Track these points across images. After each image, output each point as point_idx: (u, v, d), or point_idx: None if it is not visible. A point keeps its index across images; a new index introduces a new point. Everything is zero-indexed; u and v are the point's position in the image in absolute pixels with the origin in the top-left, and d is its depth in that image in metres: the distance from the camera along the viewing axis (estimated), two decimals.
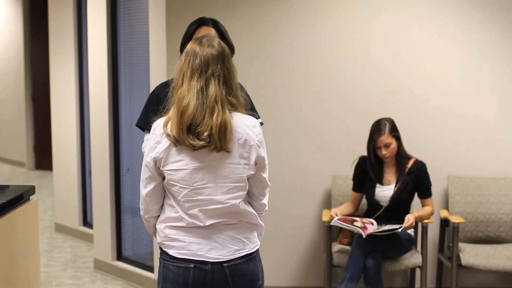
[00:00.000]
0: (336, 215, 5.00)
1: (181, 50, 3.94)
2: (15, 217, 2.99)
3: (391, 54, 5.50)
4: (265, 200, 3.00)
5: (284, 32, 5.47)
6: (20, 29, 11.75)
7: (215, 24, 3.87)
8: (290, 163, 5.51)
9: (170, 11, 5.33)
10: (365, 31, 5.49)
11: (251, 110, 3.96)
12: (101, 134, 6.12)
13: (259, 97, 5.36)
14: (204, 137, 2.74)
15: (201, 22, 3.86)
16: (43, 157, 11.56)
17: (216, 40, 2.87)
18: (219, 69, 2.80)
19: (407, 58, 5.49)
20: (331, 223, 4.96)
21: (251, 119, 2.86)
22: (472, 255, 5.13)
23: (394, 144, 4.98)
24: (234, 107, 2.82)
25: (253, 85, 5.16)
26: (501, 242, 5.45)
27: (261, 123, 4.02)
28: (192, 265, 2.84)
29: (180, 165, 2.81)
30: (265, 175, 2.94)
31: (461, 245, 5.28)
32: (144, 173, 2.90)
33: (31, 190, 3.20)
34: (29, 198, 3.20)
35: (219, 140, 2.75)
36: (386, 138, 4.95)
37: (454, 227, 5.10)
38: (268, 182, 2.98)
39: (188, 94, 2.77)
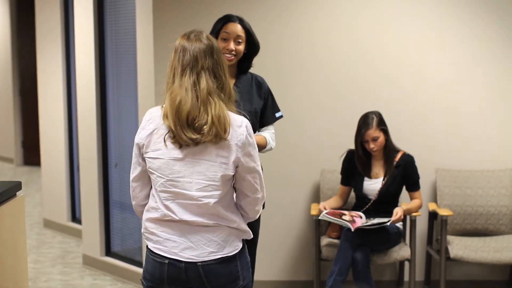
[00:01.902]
0: (325, 208, 5.00)
1: None
2: (2, 213, 2.98)
3: (379, 48, 5.49)
4: (258, 207, 2.95)
5: (272, 27, 5.46)
6: (7, 24, 11.70)
7: (241, 21, 3.90)
8: (279, 157, 5.50)
9: (157, 7, 5.32)
10: (352, 25, 5.48)
11: (272, 104, 4.03)
12: (89, 130, 6.11)
13: None
14: (204, 131, 2.72)
15: (227, 19, 3.90)
16: (31, 153, 11.53)
17: (204, 34, 2.87)
18: (208, 62, 2.79)
19: (394, 52, 5.49)
20: (319, 217, 4.96)
21: (238, 118, 2.82)
22: (460, 247, 5.15)
23: (381, 138, 4.99)
24: (224, 102, 2.80)
25: None
26: (489, 235, 5.46)
27: (281, 116, 4.08)
28: (166, 261, 2.84)
29: (159, 154, 2.81)
30: (253, 178, 2.86)
31: (450, 237, 5.29)
32: (133, 158, 2.93)
33: (17, 186, 3.20)
34: (15, 194, 3.19)
35: (220, 131, 2.73)
36: (373, 131, 4.95)
37: (443, 220, 5.11)
38: (259, 189, 2.90)
39: (180, 91, 2.76)
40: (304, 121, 5.53)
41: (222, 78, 2.82)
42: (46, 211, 7.74)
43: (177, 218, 2.81)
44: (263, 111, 4.01)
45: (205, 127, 2.73)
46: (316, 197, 5.54)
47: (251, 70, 4.06)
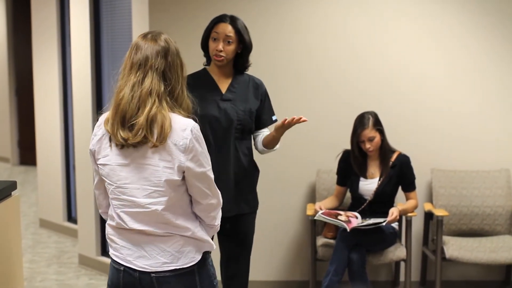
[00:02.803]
0: (320, 209, 5.00)
1: (202, 47, 3.97)
2: None
3: (375, 49, 5.49)
4: (213, 214, 2.83)
5: (268, 29, 5.46)
6: (3, 23, 11.68)
7: (233, 21, 3.90)
8: (274, 157, 5.48)
9: (153, 5, 5.31)
10: (347, 26, 5.48)
11: (268, 107, 4.07)
12: (85, 129, 6.10)
13: None
14: (136, 131, 2.62)
15: (218, 19, 3.91)
16: (27, 153, 11.51)
17: (163, 36, 2.77)
18: (159, 63, 2.70)
19: (390, 52, 5.49)
20: (315, 218, 4.96)
21: (183, 121, 2.69)
22: (456, 248, 5.15)
23: (377, 138, 4.99)
24: (169, 105, 2.69)
25: None
26: (484, 235, 5.46)
27: (276, 120, 4.09)
28: (122, 268, 2.78)
29: (107, 160, 2.74)
30: (202, 184, 2.74)
31: (445, 238, 5.29)
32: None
33: (12, 185, 3.19)
34: (10, 194, 3.19)
35: (151, 135, 2.63)
36: (369, 131, 4.96)
37: (438, 220, 5.11)
38: (212, 194, 2.79)
39: (124, 88, 2.67)
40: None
41: (173, 82, 2.71)
42: (42, 211, 7.74)
43: (128, 227, 2.74)
44: (259, 113, 4.02)
45: (136, 127, 2.64)
46: (312, 197, 5.54)
47: (250, 72, 4.07)
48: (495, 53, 5.50)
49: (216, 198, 2.81)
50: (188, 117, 2.73)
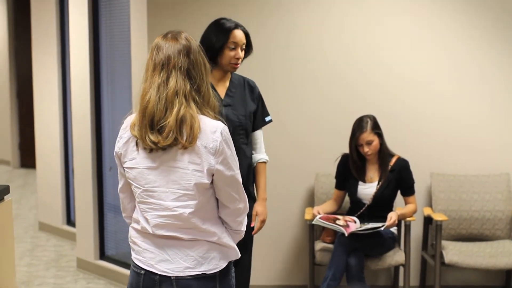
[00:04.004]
0: (319, 213, 4.97)
1: (211, 54, 3.74)
2: None
3: (373, 53, 5.47)
4: (240, 218, 2.78)
5: (263, 32, 5.43)
6: (5, 26, 11.68)
7: (242, 27, 3.88)
8: (273, 161, 5.44)
9: (151, 8, 5.29)
10: (346, 30, 5.46)
11: (262, 108, 4.03)
12: (83, 133, 6.08)
13: None
14: (167, 133, 2.56)
15: (233, 27, 3.83)
16: (28, 155, 11.51)
17: (183, 34, 2.71)
18: (182, 61, 2.62)
19: (389, 57, 5.47)
20: (313, 222, 4.93)
21: (213, 123, 2.64)
22: (455, 253, 5.12)
23: (376, 141, 4.96)
24: (198, 105, 2.63)
25: None
26: (484, 240, 5.43)
27: (270, 121, 4.07)
28: (143, 272, 2.73)
29: (134, 163, 2.68)
30: (231, 188, 2.69)
31: (445, 242, 5.26)
32: (118, 168, 2.83)
33: (5, 190, 3.16)
34: (3, 198, 3.16)
35: (181, 136, 2.56)
36: (368, 135, 4.93)
37: (437, 225, 5.08)
38: (239, 199, 2.73)
39: (150, 90, 2.60)
40: (299, 124, 5.50)
41: (198, 80, 2.64)
42: (41, 214, 7.72)
43: (151, 232, 2.69)
44: (255, 115, 4.00)
45: (166, 129, 2.57)
46: (311, 201, 5.51)
47: (247, 75, 4.05)
48: (496, 57, 5.47)
49: (243, 203, 2.76)
50: (216, 118, 2.67)
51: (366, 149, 4.95)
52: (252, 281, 5.26)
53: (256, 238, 5.49)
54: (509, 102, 5.51)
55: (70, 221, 7.41)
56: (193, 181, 2.62)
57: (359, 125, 4.97)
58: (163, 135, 2.58)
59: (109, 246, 6.14)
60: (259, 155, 4.08)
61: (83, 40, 6.02)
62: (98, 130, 6.05)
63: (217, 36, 3.79)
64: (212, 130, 2.62)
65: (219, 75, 3.89)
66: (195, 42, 2.73)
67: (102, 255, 6.12)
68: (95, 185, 6.03)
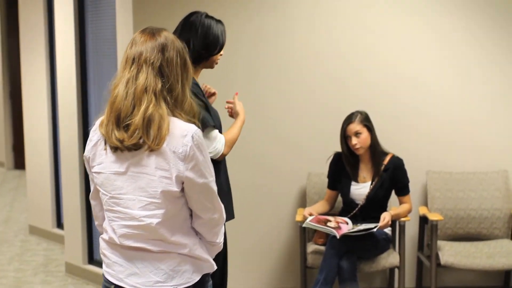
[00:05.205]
0: (310, 215, 4.82)
1: (208, 52, 3.63)
2: None
3: (366, 51, 5.33)
4: (216, 230, 2.60)
5: (250, 29, 5.30)
6: None
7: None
8: (264, 161, 5.34)
9: (137, 6, 5.16)
10: (337, 28, 5.32)
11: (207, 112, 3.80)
12: (71, 135, 5.96)
13: (228, 95, 5.20)
14: (132, 132, 2.41)
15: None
16: (22, 157, 11.31)
17: (163, 32, 2.54)
18: (155, 57, 2.46)
19: (382, 54, 5.34)
20: (303, 225, 4.78)
21: (183, 126, 2.46)
22: (451, 253, 4.96)
23: (365, 134, 4.81)
24: (169, 106, 2.47)
25: (222, 83, 5.00)
26: (482, 239, 5.28)
27: (211, 126, 3.55)
28: (112, 286, 2.56)
29: (101, 167, 2.51)
30: (203, 197, 2.51)
31: (441, 243, 5.11)
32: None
33: None
34: None
35: (147, 137, 2.40)
36: (355, 126, 4.80)
37: (433, 225, 4.93)
38: (213, 209, 2.55)
39: (119, 84, 2.46)
40: (289, 124, 5.36)
41: (171, 80, 2.48)
42: (31, 217, 7.59)
43: (119, 243, 2.53)
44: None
45: (132, 127, 2.41)
46: (303, 201, 5.37)
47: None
48: (489, 55, 5.34)
49: (218, 213, 2.57)
50: (190, 121, 2.49)
51: (354, 141, 4.80)
52: (242, 285, 5.15)
53: (246, 240, 5.36)
54: (506, 98, 5.38)
55: (60, 224, 7.27)
56: (160, 188, 2.44)
57: (348, 117, 4.88)
58: (129, 133, 2.42)
59: (98, 251, 5.98)
60: None
61: (69, 39, 5.91)
62: (86, 132, 5.90)
63: (222, 42, 3.64)
64: (183, 134, 2.44)
65: (199, 73, 3.74)
66: (179, 43, 2.57)
67: (91, 260, 5.99)
68: (83, 188, 5.89)
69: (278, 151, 5.36)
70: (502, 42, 5.32)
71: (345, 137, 4.87)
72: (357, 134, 4.81)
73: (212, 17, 3.68)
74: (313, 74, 5.35)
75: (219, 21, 3.68)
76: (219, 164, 3.57)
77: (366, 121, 4.85)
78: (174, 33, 3.57)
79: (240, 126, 3.73)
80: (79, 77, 5.89)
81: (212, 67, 3.71)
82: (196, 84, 3.49)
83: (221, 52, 3.68)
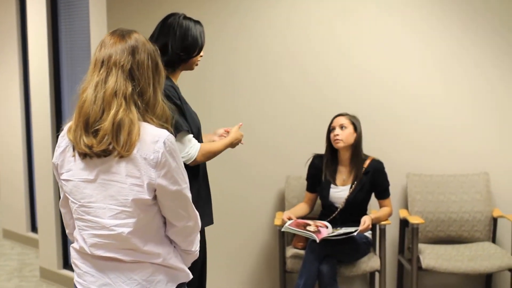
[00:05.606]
0: (289, 219, 4.73)
1: (192, 53, 3.56)
2: None
3: (344, 55, 5.26)
4: (191, 238, 2.52)
5: (226, 33, 5.21)
6: None
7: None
8: (242, 165, 5.25)
9: (111, 5, 5.07)
10: (315, 31, 5.24)
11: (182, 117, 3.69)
12: (44, 136, 5.86)
13: (203, 97, 5.11)
14: (101, 137, 2.32)
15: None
16: None
17: (134, 34, 2.45)
18: (125, 60, 2.38)
19: (362, 58, 5.26)
20: (282, 230, 4.70)
21: (155, 131, 2.38)
22: (432, 257, 4.89)
23: (350, 130, 4.75)
24: (140, 110, 2.38)
25: (199, 87, 4.91)
26: (463, 242, 5.22)
27: (185, 130, 3.43)
28: None
29: (70, 175, 2.41)
30: (177, 204, 2.43)
31: (422, 246, 5.04)
32: None
33: None
34: None
35: (117, 143, 2.31)
36: (343, 119, 4.79)
37: (413, 228, 4.86)
38: (188, 216, 2.47)
39: (88, 88, 2.37)
40: (267, 126, 5.28)
41: (142, 83, 2.39)
42: (5, 220, 7.45)
43: (89, 252, 2.43)
44: None
45: (100, 132, 2.32)
46: (281, 205, 5.28)
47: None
48: (471, 59, 5.27)
49: (193, 220, 2.50)
50: (162, 126, 2.41)
51: (337, 131, 4.74)
52: None
53: (225, 244, 5.27)
54: (486, 100, 5.31)
55: (35, 228, 7.15)
56: (131, 196, 2.35)
57: (339, 113, 4.87)
58: (98, 139, 2.32)
59: None
60: None
61: (42, 41, 5.83)
62: (59, 133, 5.79)
63: (200, 44, 3.55)
64: (154, 140, 2.35)
65: (178, 76, 3.64)
66: (150, 45, 2.47)
67: (66, 265, 5.89)
68: (56, 192, 5.78)
69: (256, 154, 5.28)
70: (483, 45, 5.25)
71: (330, 131, 4.81)
72: (342, 127, 4.77)
73: (190, 18, 3.58)
74: (291, 78, 5.27)
75: (197, 22, 3.59)
76: (197, 168, 3.47)
77: (355, 121, 4.82)
78: (152, 36, 3.49)
79: (225, 144, 3.63)
80: (52, 79, 5.79)
81: (192, 69, 3.62)
82: (172, 87, 3.39)
83: (201, 54, 3.59)
